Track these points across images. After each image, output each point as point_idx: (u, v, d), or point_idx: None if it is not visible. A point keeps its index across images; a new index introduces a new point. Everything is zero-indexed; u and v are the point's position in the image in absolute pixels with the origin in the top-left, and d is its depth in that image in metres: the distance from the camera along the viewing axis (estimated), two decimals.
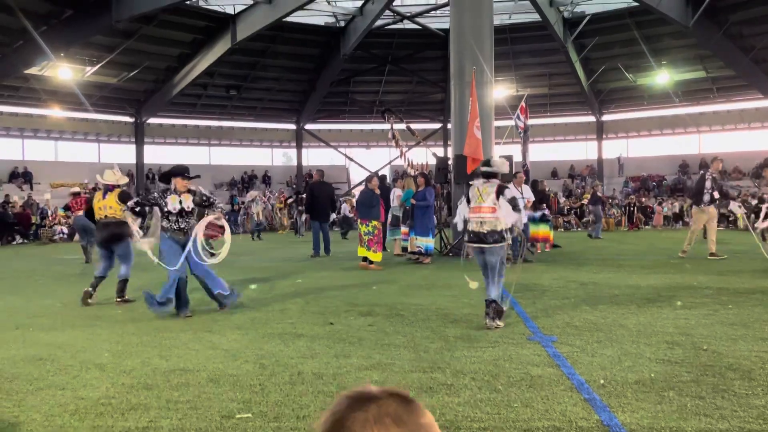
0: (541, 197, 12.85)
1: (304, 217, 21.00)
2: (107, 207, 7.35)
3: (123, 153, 30.88)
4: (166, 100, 29.11)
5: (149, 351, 4.75)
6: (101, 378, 4.03)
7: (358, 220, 11.01)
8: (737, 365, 4.05)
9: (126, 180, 7.95)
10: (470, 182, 5.91)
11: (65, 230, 22.00)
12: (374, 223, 10.72)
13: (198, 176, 6.71)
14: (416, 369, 4.10)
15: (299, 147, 34.22)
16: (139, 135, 30.59)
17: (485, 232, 5.45)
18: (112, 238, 7.34)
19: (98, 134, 30.31)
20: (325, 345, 4.82)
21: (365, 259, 10.58)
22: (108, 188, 7.47)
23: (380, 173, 12.11)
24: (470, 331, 5.30)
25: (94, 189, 8.69)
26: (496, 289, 5.48)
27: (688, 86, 29.39)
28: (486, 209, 5.48)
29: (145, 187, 29.57)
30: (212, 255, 6.55)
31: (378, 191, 11.16)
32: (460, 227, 5.97)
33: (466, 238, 5.67)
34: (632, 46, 27.66)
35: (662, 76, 27.87)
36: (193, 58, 27.18)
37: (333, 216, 18.72)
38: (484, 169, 5.72)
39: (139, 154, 30.64)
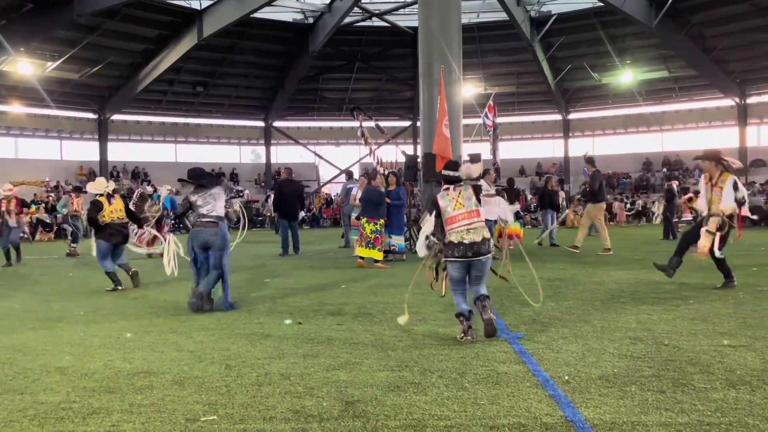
0: (516, 195, 13.01)
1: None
2: (117, 210, 8.38)
3: (86, 150, 30.24)
4: (131, 96, 28.58)
5: (112, 353, 4.65)
6: (62, 382, 3.94)
7: (363, 219, 10.56)
8: (697, 359, 4.15)
9: (113, 186, 8.74)
10: (440, 193, 5.12)
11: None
12: (381, 221, 10.52)
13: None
14: (384, 368, 4.10)
15: (268, 144, 33.98)
16: (102, 132, 29.98)
17: (479, 241, 4.84)
18: (124, 240, 8.50)
19: (60, 131, 29.61)
20: (292, 345, 4.79)
21: (363, 258, 10.37)
22: (110, 195, 8.41)
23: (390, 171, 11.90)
24: (438, 329, 5.32)
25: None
26: (483, 287, 5.00)
27: (651, 85, 30.07)
28: (472, 214, 4.90)
29: None
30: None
31: (383, 189, 10.98)
32: (422, 253, 5.15)
33: (450, 252, 4.89)
34: (597, 45, 28.17)
35: (626, 76, 28.44)
36: (158, 54, 26.74)
37: (302, 214, 18.60)
38: (447, 173, 5.11)
39: (103, 151, 30.04)
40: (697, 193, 7.28)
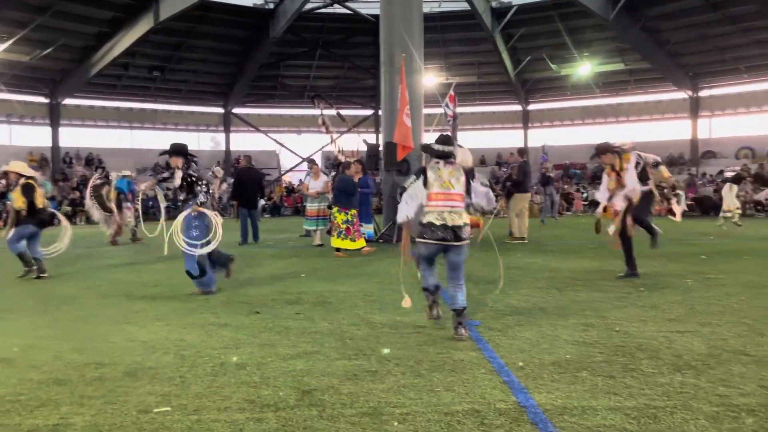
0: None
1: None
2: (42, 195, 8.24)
3: (37, 135, 29.19)
4: (84, 80, 27.66)
5: (63, 344, 4.53)
6: (9, 374, 3.82)
7: (335, 208, 10.36)
8: (646, 345, 4.28)
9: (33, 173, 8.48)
10: (429, 164, 4.81)
11: None
12: (353, 211, 10.39)
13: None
14: (342, 356, 4.10)
15: (227, 131, 33.43)
16: (54, 116, 28.96)
17: (460, 225, 4.56)
18: (44, 227, 8.36)
19: (9, 115, 28.47)
20: (249, 335, 4.75)
21: (339, 249, 10.25)
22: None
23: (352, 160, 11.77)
24: (397, 317, 5.34)
25: (6, 174, 8.38)
26: (462, 292, 4.68)
27: (608, 77, 30.62)
28: (457, 197, 4.60)
29: (61, 171, 28.12)
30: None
31: (356, 179, 10.87)
32: (410, 215, 4.72)
33: (425, 232, 4.60)
34: (556, 37, 28.51)
35: (584, 68, 28.89)
36: (112, 37, 25.94)
37: (262, 202, 18.40)
38: (439, 147, 4.72)
39: (55, 136, 29.03)
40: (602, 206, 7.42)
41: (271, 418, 3.04)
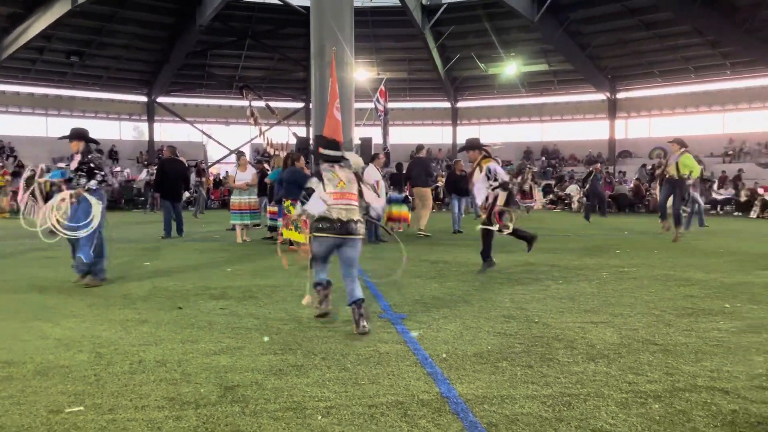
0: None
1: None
2: None
3: None
4: None
5: None
6: None
7: (287, 201, 10.19)
8: (563, 335, 4.46)
9: None
10: (323, 167, 5.06)
11: None
12: None
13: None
14: (267, 351, 4.06)
15: (151, 121, 32.24)
16: None
17: (355, 220, 4.82)
18: None
19: None
20: (171, 330, 4.62)
21: (292, 242, 10.02)
22: None
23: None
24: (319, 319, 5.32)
25: None
26: (358, 286, 4.78)
27: (533, 78, 31.64)
28: (351, 196, 4.90)
29: None
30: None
31: (307, 170, 10.68)
32: (316, 212, 4.87)
33: (320, 226, 4.81)
34: (484, 36, 29.18)
35: (510, 67, 29.70)
36: (26, 19, 24.48)
37: (186, 195, 17.87)
38: (329, 152, 5.07)
39: None
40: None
41: (191, 416, 2.97)
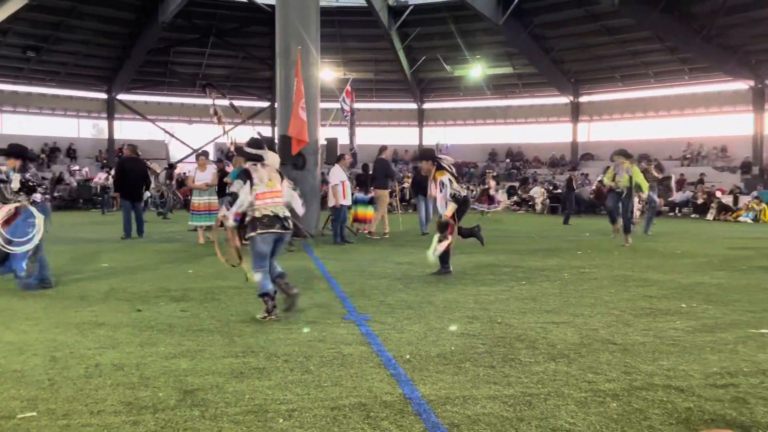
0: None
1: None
2: None
3: None
4: None
5: None
6: None
7: None
8: (525, 336, 4.51)
9: None
10: (249, 166, 5.24)
11: None
12: None
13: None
14: (228, 354, 3.99)
15: (111, 118, 31.50)
16: None
17: (288, 216, 5.19)
18: None
19: None
20: (129, 333, 4.51)
21: None
22: None
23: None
24: (287, 312, 5.27)
25: None
26: (279, 264, 5.30)
27: (498, 80, 32.00)
28: (279, 193, 5.20)
29: None
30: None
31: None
32: (231, 222, 5.11)
33: (260, 225, 5.04)
34: (450, 38, 29.38)
35: (476, 70, 29.98)
36: None
37: (147, 194, 17.51)
38: (254, 151, 5.28)
39: None
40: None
41: (149, 421, 2.90)
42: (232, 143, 13.60)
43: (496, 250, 10.21)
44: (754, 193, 21.79)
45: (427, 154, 7.88)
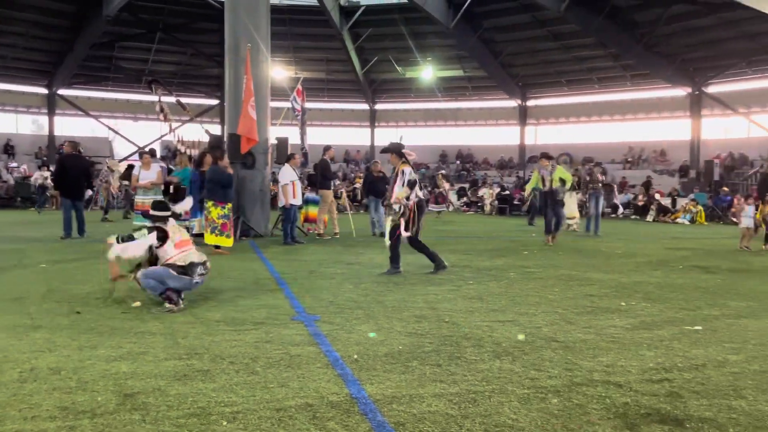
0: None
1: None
2: None
3: None
4: None
5: None
6: None
7: (209, 202, 9.67)
8: (471, 334, 4.57)
9: None
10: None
11: None
12: (230, 205, 9.93)
13: None
14: (172, 356, 3.90)
15: (51, 114, 30.36)
16: None
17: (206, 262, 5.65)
18: None
19: None
20: (67, 337, 4.35)
21: (218, 246, 9.64)
22: None
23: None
24: (235, 314, 5.20)
25: None
26: None
27: (448, 83, 32.39)
28: (188, 242, 5.68)
29: None
30: None
31: (231, 170, 10.33)
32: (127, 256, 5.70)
33: (189, 271, 5.53)
34: (402, 40, 29.57)
35: (427, 72, 30.27)
36: None
37: (89, 193, 16.95)
38: (159, 214, 5.73)
39: None
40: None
41: (86, 426, 2.80)
42: (179, 141, 13.34)
43: (446, 250, 10.30)
44: (691, 196, 22.75)
45: (394, 147, 7.86)
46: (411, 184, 7.49)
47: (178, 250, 5.46)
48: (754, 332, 4.74)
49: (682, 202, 22.76)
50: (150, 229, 5.49)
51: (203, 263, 5.55)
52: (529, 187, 12.44)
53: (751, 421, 2.96)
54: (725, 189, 22.64)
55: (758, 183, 17.54)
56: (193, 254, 5.53)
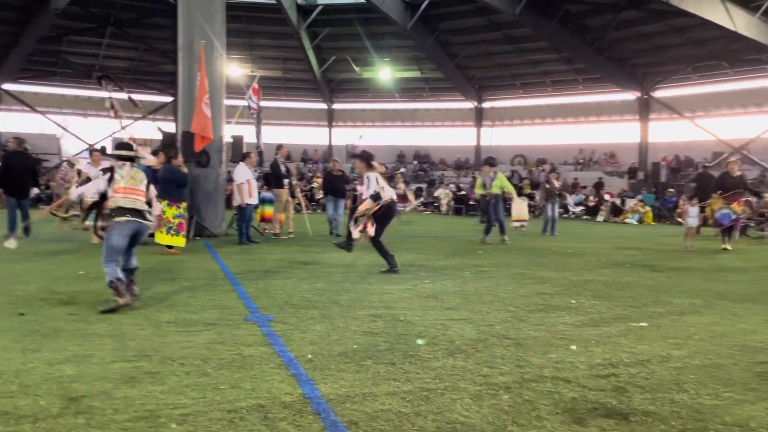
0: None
1: None
2: None
3: None
4: None
5: None
6: None
7: (164, 201, 9.23)
8: (425, 332, 4.60)
9: None
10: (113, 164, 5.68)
11: None
12: (184, 204, 9.75)
13: None
14: (120, 359, 3.81)
15: None
16: None
17: (145, 210, 5.57)
18: None
19: None
20: (9, 339, 4.19)
21: (171, 246, 9.37)
22: None
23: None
24: (187, 315, 5.11)
25: None
26: (135, 257, 5.67)
27: (406, 83, 32.54)
28: (140, 192, 5.58)
29: None
30: None
31: (186, 169, 10.10)
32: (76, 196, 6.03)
33: (119, 213, 5.37)
34: (359, 40, 29.54)
35: (385, 72, 30.33)
36: None
37: (34, 191, 16.38)
38: (124, 153, 5.66)
39: None
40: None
41: (27, 430, 2.71)
42: (131, 138, 13.01)
43: (403, 250, 10.36)
44: (639, 197, 23.45)
45: (363, 155, 8.01)
46: (374, 198, 7.54)
47: (119, 195, 5.41)
48: (696, 328, 4.92)
49: (630, 203, 23.43)
50: (104, 171, 5.57)
51: (135, 210, 5.43)
52: (477, 192, 12.87)
53: (691, 414, 3.07)
54: (671, 190, 23.41)
55: (695, 183, 18.39)
56: (137, 203, 5.47)
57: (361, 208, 7.66)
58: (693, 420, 3.00)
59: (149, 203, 5.68)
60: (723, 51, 23.46)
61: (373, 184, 7.61)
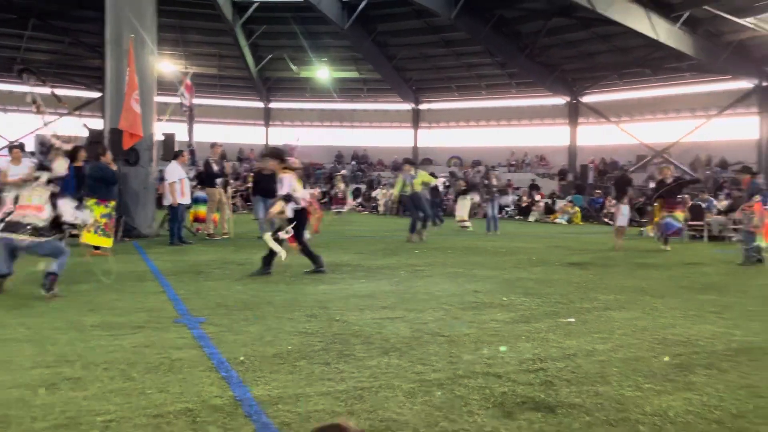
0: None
1: None
2: None
3: None
4: None
5: None
6: None
7: (91, 200, 8.91)
8: (361, 332, 4.61)
9: None
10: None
11: None
12: (113, 203, 9.36)
13: None
14: (39, 365, 3.62)
15: None
16: None
17: (39, 226, 5.77)
18: None
19: None
20: None
21: (98, 247, 8.88)
22: None
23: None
24: (112, 318, 4.92)
25: None
26: (55, 264, 5.81)
27: (344, 84, 32.48)
28: (41, 208, 5.83)
29: None
30: None
31: (115, 166, 9.69)
32: None
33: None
34: (296, 39, 29.26)
35: (322, 72, 30.18)
36: None
37: None
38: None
39: None
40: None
41: None
42: (53, 135, 12.40)
43: (339, 250, 10.35)
44: (569, 198, 24.27)
45: (273, 153, 7.84)
46: (286, 199, 7.39)
47: (18, 211, 5.73)
48: (620, 323, 5.13)
49: (560, 203, 24.22)
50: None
51: (32, 227, 5.65)
52: (396, 192, 13.24)
53: (614, 405, 3.20)
54: (598, 192, 24.34)
55: (614, 184, 19.46)
56: (28, 218, 5.69)
57: (273, 210, 7.50)
58: (615, 411, 3.12)
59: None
60: (646, 59, 24.59)
61: (286, 188, 7.45)
